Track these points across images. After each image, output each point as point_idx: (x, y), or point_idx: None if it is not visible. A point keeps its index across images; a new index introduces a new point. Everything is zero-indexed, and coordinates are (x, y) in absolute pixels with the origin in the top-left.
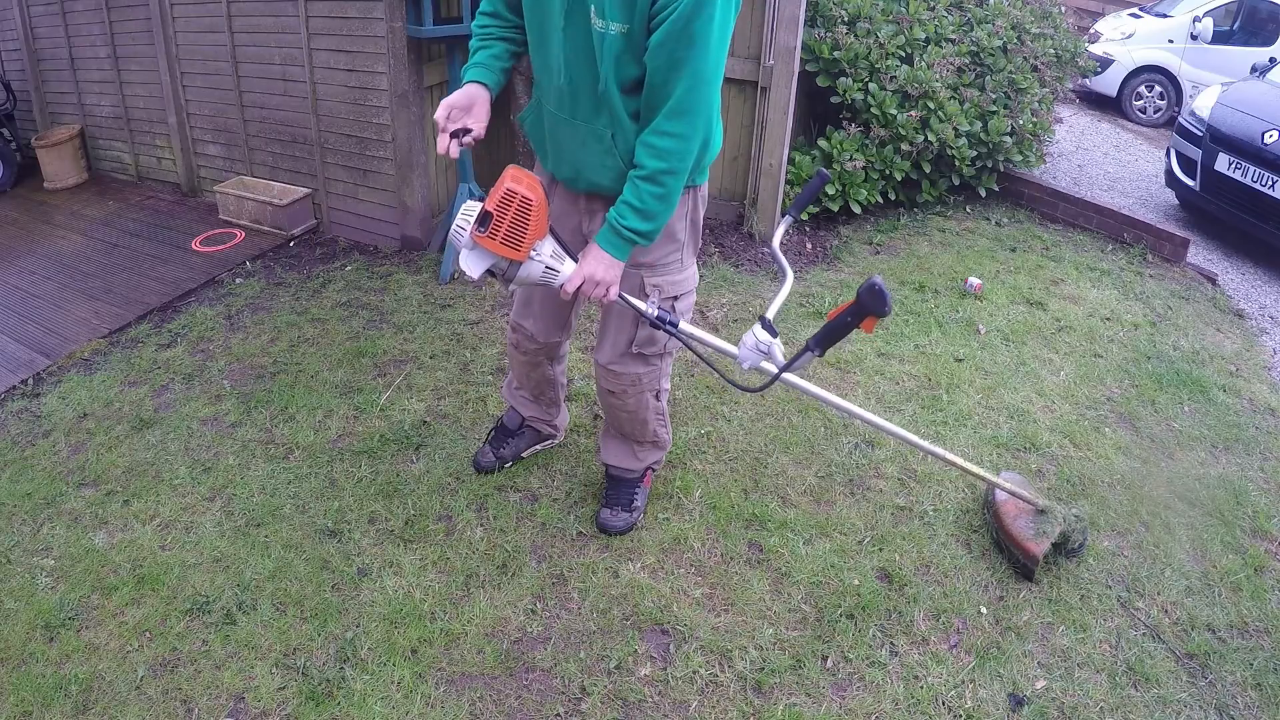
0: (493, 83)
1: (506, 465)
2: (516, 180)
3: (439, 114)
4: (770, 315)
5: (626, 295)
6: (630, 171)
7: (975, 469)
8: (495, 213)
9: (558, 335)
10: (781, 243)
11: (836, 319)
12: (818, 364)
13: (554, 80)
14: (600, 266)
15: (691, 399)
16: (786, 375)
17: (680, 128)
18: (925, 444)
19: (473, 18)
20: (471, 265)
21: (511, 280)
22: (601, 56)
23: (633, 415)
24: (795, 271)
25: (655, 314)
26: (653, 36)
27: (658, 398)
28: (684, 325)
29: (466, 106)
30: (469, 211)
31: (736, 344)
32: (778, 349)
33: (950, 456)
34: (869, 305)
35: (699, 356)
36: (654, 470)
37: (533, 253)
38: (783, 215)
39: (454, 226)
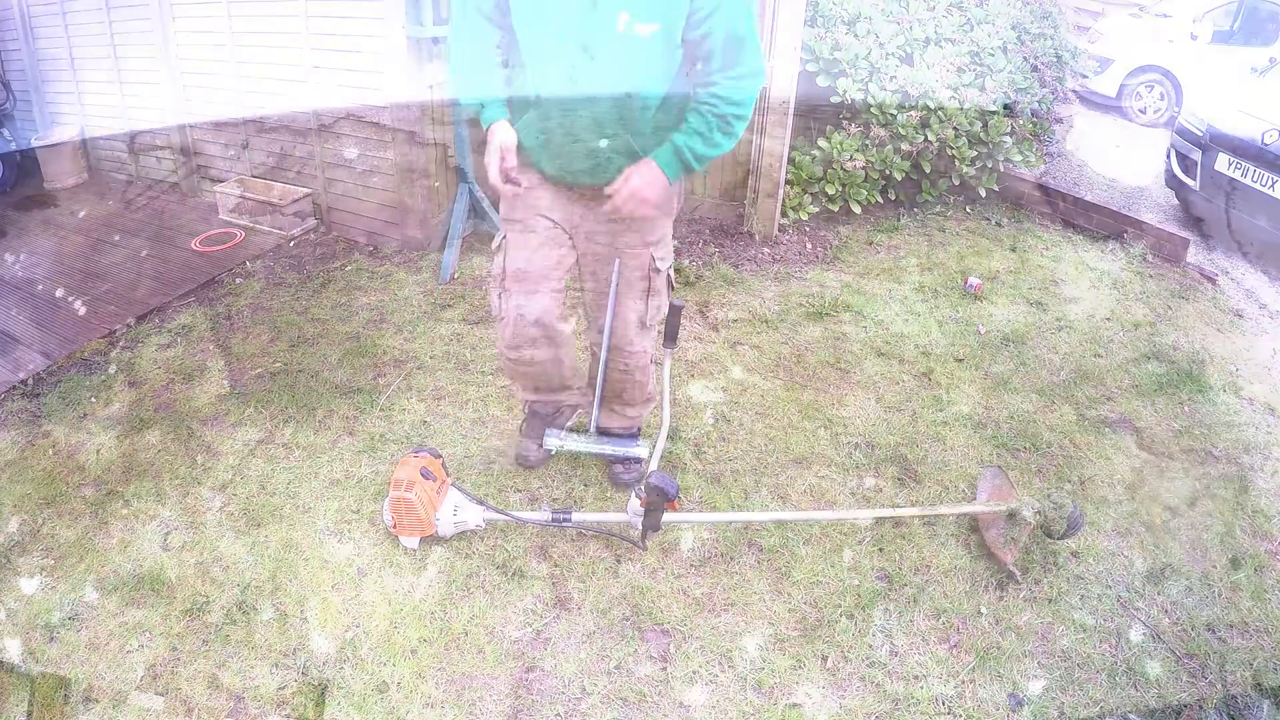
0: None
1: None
2: (396, 485)
3: (505, 161)
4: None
5: (516, 514)
6: (701, 106)
7: (935, 510)
8: (394, 516)
9: (554, 287)
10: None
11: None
12: (818, 364)
13: (566, 95)
14: (645, 181)
15: (691, 399)
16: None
17: (743, 69)
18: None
19: None
20: (406, 544)
21: (445, 536)
22: (634, 65)
23: (641, 385)
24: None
25: (550, 517)
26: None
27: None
28: (575, 516)
29: (514, 145)
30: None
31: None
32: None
33: (907, 512)
34: (663, 495)
35: (599, 532)
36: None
37: (437, 518)
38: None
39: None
